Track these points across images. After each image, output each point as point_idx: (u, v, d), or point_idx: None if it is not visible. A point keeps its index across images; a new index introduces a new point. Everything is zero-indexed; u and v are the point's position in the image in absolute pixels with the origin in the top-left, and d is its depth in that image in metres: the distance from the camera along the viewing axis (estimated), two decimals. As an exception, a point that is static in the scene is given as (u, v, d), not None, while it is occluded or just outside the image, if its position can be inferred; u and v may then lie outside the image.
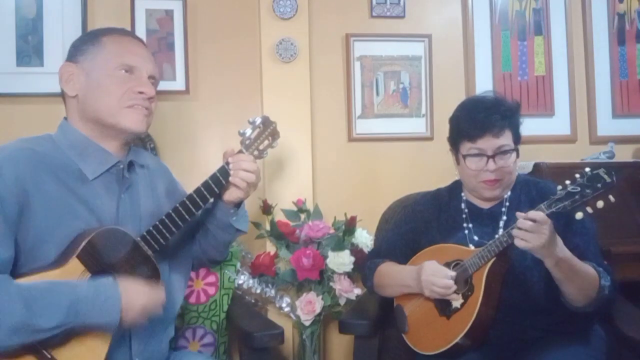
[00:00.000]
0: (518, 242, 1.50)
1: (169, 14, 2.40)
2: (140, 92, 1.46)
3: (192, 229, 1.69)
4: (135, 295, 1.34)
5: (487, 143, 1.70)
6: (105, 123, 1.44)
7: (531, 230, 1.46)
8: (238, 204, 1.62)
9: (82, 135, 1.45)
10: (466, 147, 1.74)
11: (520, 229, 1.48)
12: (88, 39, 1.49)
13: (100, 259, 1.35)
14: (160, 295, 1.40)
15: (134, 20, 2.34)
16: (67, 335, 1.28)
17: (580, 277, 1.55)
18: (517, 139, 1.75)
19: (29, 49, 2.29)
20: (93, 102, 1.44)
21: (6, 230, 1.28)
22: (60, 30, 2.30)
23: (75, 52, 1.47)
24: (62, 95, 1.49)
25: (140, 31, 2.33)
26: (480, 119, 1.71)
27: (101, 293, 1.30)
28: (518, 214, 1.51)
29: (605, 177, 1.42)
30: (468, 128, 1.73)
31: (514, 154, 1.72)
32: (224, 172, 1.52)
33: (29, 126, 2.23)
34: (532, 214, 1.48)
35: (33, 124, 2.24)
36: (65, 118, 1.50)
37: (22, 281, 1.28)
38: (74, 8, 2.31)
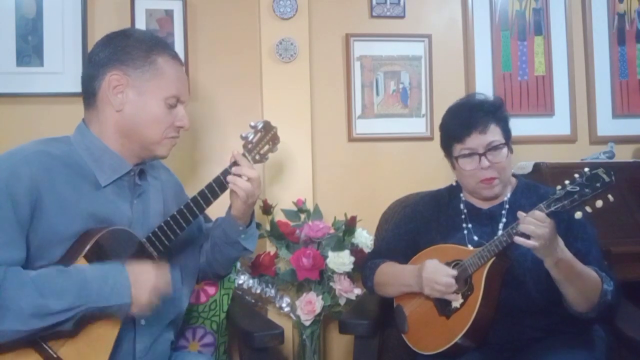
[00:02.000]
0: (517, 239, 1.50)
1: (169, 14, 2.40)
2: (180, 126, 1.52)
3: (199, 240, 1.73)
4: (144, 275, 1.35)
5: (476, 141, 1.71)
6: (142, 145, 1.48)
7: (532, 223, 1.46)
8: (248, 222, 1.66)
9: (101, 143, 1.46)
10: (457, 149, 1.75)
11: (525, 223, 1.49)
12: (141, 54, 1.45)
13: (107, 259, 1.36)
14: (167, 274, 1.41)
15: (134, 20, 2.34)
16: (77, 329, 1.30)
17: (581, 280, 1.55)
18: (508, 135, 1.76)
19: (29, 49, 2.29)
20: (139, 126, 1.45)
21: (18, 231, 1.29)
22: (60, 30, 2.30)
23: (126, 62, 1.44)
24: (91, 97, 1.47)
25: (140, 31, 2.34)
26: (464, 118, 1.74)
27: (109, 275, 1.31)
28: (519, 213, 1.51)
29: (604, 176, 1.43)
30: (455, 129, 1.76)
31: (505, 149, 1.73)
32: (219, 182, 1.56)
33: (28, 126, 2.25)
34: (533, 213, 1.48)
35: (33, 124, 2.26)
36: (84, 121, 1.50)
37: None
38: (74, 8, 2.31)
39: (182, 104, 1.52)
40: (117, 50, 1.45)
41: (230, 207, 1.65)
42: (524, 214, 1.50)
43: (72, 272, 1.29)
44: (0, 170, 1.31)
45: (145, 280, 1.34)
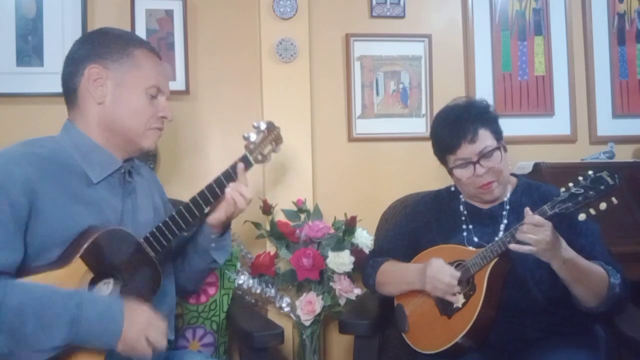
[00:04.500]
0: (513, 247, 1.51)
1: (169, 14, 2.40)
2: (163, 117, 1.51)
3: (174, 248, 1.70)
4: (139, 318, 1.32)
5: (467, 150, 1.70)
6: (127, 138, 1.47)
7: (530, 232, 1.47)
8: (222, 231, 1.63)
9: (89, 140, 1.45)
10: (451, 160, 1.75)
11: (520, 232, 1.49)
12: (119, 47, 1.46)
13: (103, 260, 1.36)
14: (162, 324, 1.36)
15: (134, 20, 2.34)
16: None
17: (588, 277, 1.56)
18: (499, 135, 1.74)
19: (29, 49, 2.29)
20: (121, 117, 1.45)
21: (17, 232, 1.29)
22: (60, 30, 2.30)
23: (104, 56, 1.44)
24: (72, 94, 1.47)
25: (140, 31, 2.33)
26: (452, 129, 1.72)
27: (105, 315, 1.28)
28: (527, 210, 1.51)
29: (608, 179, 1.43)
30: (445, 141, 1.74)
31: (498, 152, 1.71)
32: (221, 183, 1.54)
33: (28, 126, 2.25)
34: (530, 218, 1.49)
35: (33, 124, 2.26)
36: (69, 119, 1.49)
37: (26, 280, 1.28)
38: (74, 8, 2.31)
39: (163, 95, 1.52)
40: (95, 46, 1.46)
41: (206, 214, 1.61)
42: (530, 212, 1.50)
43: (68, 305, 1.25)
44: None
45: (139, 323, 1.31)
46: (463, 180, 1.74)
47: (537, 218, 1.48)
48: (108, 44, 1.46)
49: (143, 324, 1.31)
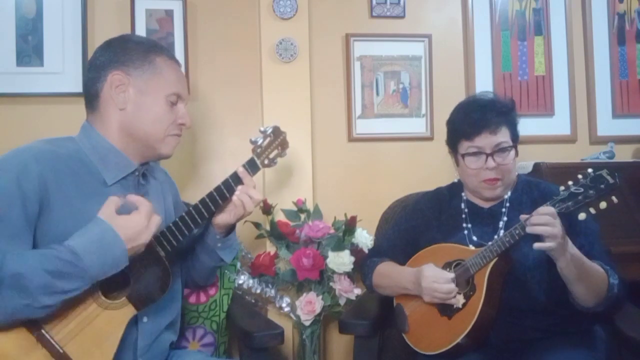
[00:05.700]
0: (537, 245, 1.49)
1: (169, 14, 2.40)
2: (182, 124, 1.54)
3: (186, 245, 1.72)
4: (137, 234, 1.33)
5: (485, 140, 1.70)
6: (146, 144, 1.50)
7: (548, 224, 1.46)
8: (227, 232, 1.65)
9: (107, 142, 1.47)
10: (464, 146, 1.74)
11: (536, 224, 1.48)
12: (140, 54, 1.48)
13: None
14: (150, 216, 1.37)
15: (134, 20, 2.34)
16: (83, 326, 1.33)
17: (589, 276, 1.56)
18: (515, 137, 1.76)
19: (29, 49, 2.29)
20: (142, 123, 1.48)
21: (26, 227, 1.30)
22: (60, 30, 2.30)
23: (126, 62, 1.47)
24: (94, 99, 1.48)
25: (140, 31, 2.34)
26: (476, 117, 1.72)
27: (107, 254, 1.28)
28: (522, 216, 1.51)
29: (608, 178, 1.43)
30: (465, 127, 1.74)
31: (512, 152, 1.72)
32: (229, 186, 1.55)
33: (28, 126, 2.25)
34: (543, 209, 1.48)
35: (33, 124, 2.26)
36: (87, 121, 1.51)
37: None
38: (74, 8, 2.31)
39: (182, 102, 1.55)
40: (117, 52, 1.48)
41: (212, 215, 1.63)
42: (526, 216, 1.50)
43: (73, 261, 1.25)
44: (11, 166, 1.32)
45: (138, 235, 1.33)
46: (469, 170, 1.74)
47: (552, 210, 1.47)
48: (129, 51, 1.49)
49: (144, 237, 1.34)
